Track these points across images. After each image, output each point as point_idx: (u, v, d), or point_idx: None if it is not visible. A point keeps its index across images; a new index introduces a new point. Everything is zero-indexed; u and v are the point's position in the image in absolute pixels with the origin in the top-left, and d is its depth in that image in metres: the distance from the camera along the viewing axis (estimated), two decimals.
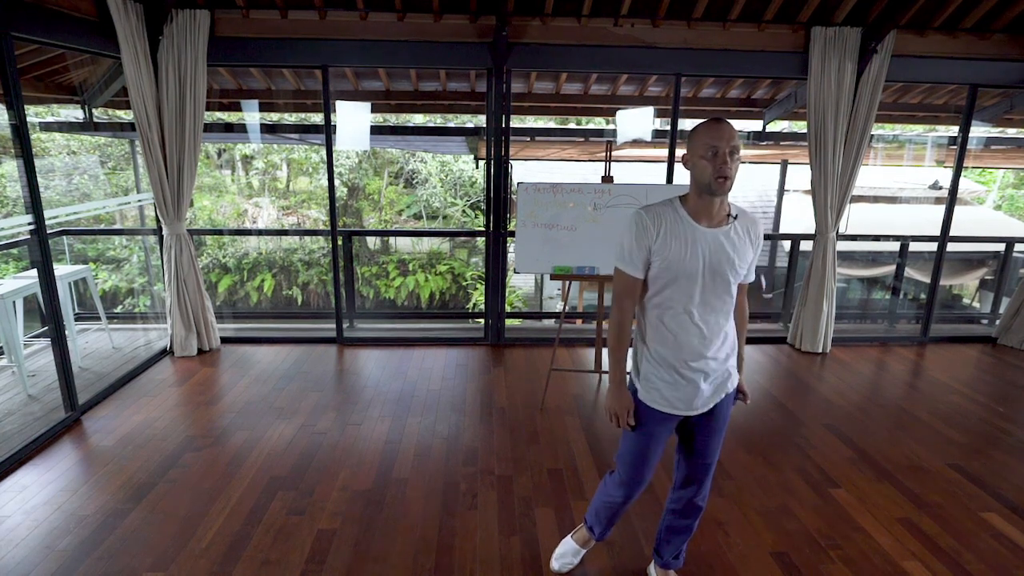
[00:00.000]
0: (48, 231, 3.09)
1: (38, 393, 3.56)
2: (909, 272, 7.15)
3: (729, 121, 1.63)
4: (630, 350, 1.86)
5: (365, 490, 2.68)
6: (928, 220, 7.83)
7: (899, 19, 3.88)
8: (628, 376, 1.87)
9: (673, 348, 1.74)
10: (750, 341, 4.76)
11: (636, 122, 5.39)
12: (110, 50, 3.56)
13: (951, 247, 4.76)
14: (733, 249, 1.69)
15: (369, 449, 3.03)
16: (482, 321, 4.95)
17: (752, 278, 1.84)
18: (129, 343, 4.49)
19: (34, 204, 2.97)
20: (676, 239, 1.67)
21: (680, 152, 4.42)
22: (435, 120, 9.91)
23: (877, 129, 5.57)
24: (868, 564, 2.25)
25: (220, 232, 9.94)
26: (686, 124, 7.52)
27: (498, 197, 4.34)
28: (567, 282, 3.67)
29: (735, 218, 1.71)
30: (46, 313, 3.16)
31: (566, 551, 2.21)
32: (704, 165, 1.61)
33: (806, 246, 4.79)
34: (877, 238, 6.41)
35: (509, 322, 4.59)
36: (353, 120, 4.97)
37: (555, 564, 2.19)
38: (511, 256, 5.04)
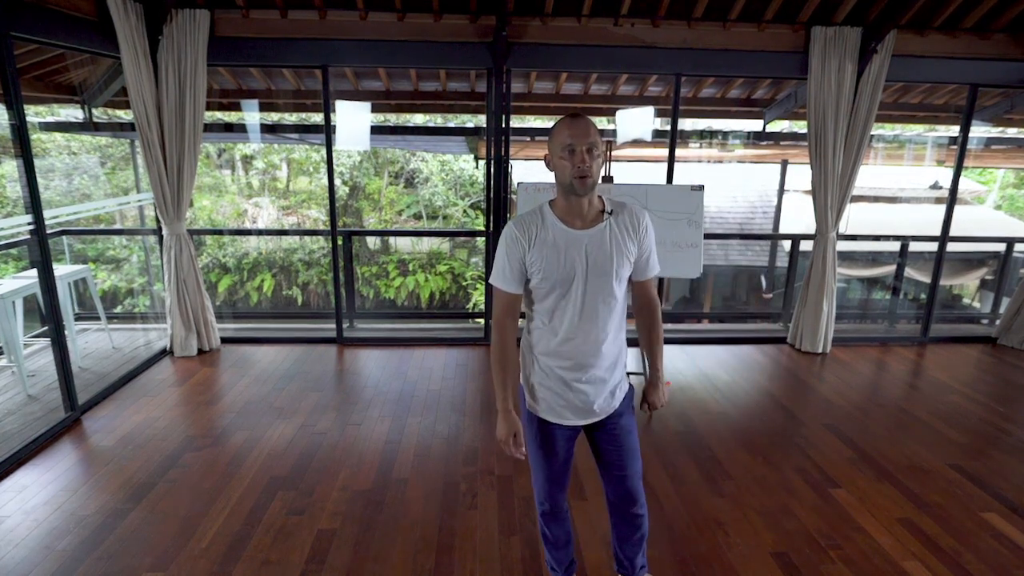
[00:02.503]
0: (48, 231, 3.09)
1: (38, 393, 3.56)
2: (909, 272, 7.14)
3: (588, 117, 1.54)
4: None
5: (365, 490, 2.68)
6: (928, 220, 7.83)
7: (899, 19, 3.88)
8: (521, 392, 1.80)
9: (559, 356, 1.67)
10: (750, 341, 4.76)
11: (636, 122, 5.39)
12: (110, 50, 3.56)
13: (951, 247, 4.76)
14: (614, 247, 1.62)
15: (369, 449, 3.03)
16: (482, 321, 4.95)
17: (655, 271, 1.73)
18: (129, 343, 4.48)
19: (34, 204, 2.97)
20: (548, 247, 1.60)
21: (680, 152, 4.43)
22: (435, 120, 9.91)
23: (877, 129, 5.56)
24: (868, 564, 2.25)
25: (220, 232, 9.94)
26: (686, 124, 7.52)
27: (498, 197, 4.34)
28: None
29: (611, 214, 1.64)
30: (46, 313, 3.16)
31: None
32: (563, 165, 1.55)
33: (806, 246, 4.79)
34: (877, 238, 6.41)
35: None
36: (353, 120, 4.97)
37: None
38: None
